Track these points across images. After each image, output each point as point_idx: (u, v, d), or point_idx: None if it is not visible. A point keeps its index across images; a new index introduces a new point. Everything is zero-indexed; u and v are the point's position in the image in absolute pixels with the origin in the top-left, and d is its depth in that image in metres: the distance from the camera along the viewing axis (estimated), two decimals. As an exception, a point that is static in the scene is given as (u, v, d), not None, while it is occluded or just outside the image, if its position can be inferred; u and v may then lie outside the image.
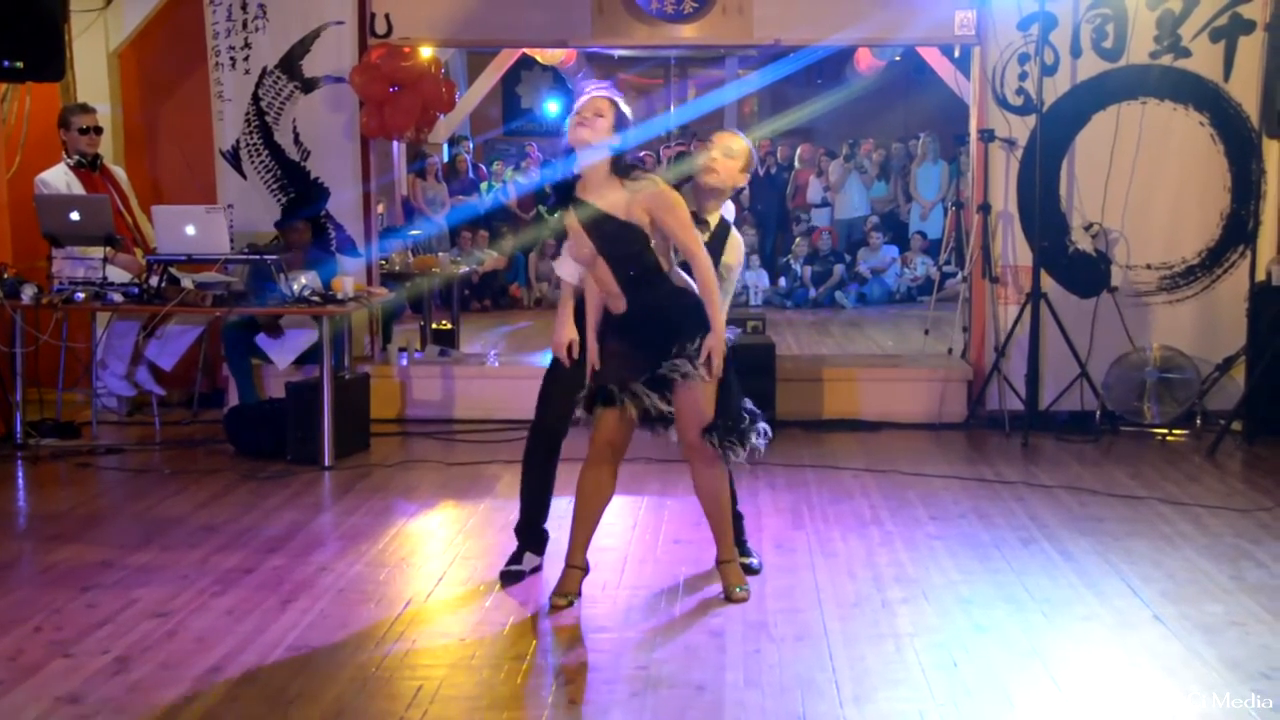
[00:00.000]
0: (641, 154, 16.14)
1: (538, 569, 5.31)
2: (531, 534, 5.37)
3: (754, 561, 5.33)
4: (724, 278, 5.10)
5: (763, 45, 9.26)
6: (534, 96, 18.28)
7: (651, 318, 4.80)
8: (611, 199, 4.70)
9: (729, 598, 4.94)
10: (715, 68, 18.00)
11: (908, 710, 3.92)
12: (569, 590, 4.94)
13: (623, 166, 4.72)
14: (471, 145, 16.16)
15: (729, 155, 5.09)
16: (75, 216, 7.38)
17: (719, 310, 4.80)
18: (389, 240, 10.45)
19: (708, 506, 5.02)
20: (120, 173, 8.30)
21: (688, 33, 8.71)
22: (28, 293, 7.34)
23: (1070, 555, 5.52)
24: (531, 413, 8.44)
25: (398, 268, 9.80)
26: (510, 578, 5.22)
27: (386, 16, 8.66)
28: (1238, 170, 8.25)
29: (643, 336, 4.82)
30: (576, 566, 4.99)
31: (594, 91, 4.80)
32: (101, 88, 8.87)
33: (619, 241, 4.70)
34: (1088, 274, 8.39)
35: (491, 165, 16.16)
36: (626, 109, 4.80)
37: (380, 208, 10.18)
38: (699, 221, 4.97)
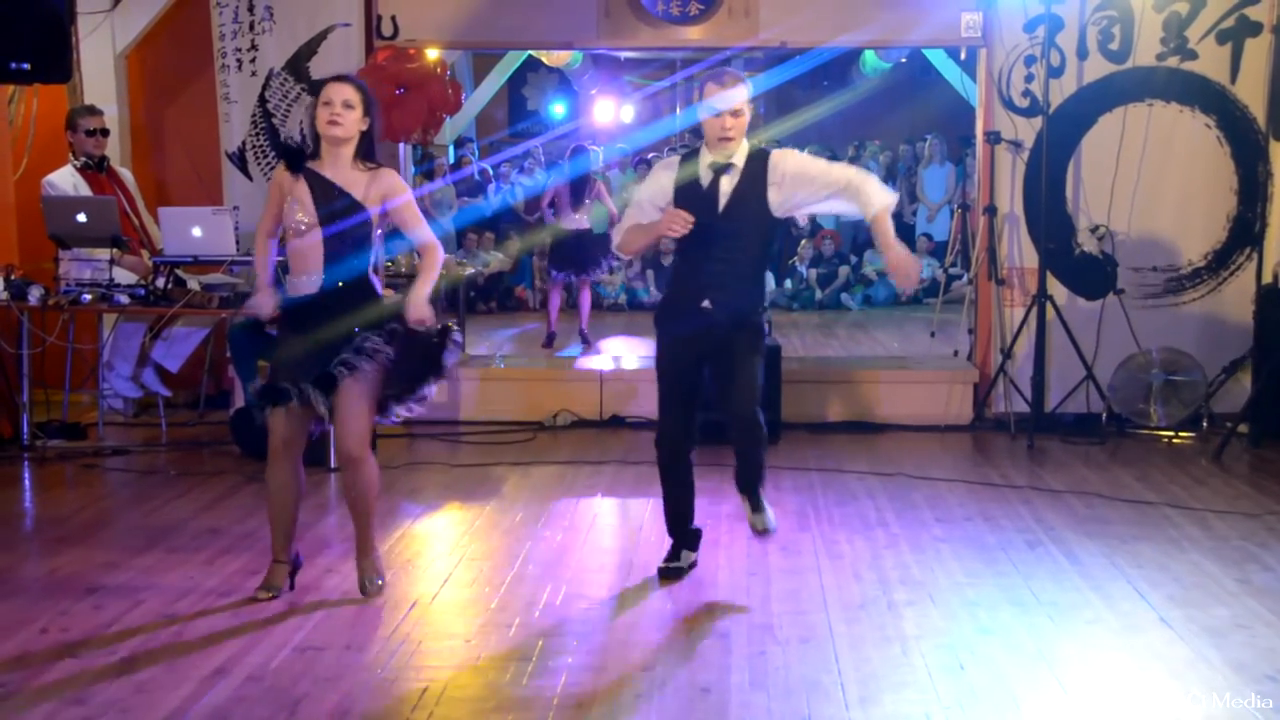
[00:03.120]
0: (649, 156, 16.15)
1: (693, 564, 5.36)
2: (684, 532, 5.36)
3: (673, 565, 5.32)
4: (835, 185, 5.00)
5: (769, 47, 9.26)
6: (540, 98, 18.29)
7: (334, 306, 4.86)
8: (348, 177, 4.86)
9: (363, 591, 5.01)
10: (721, 69, 17.97)
11: (913, 713, 3.92)
12: (275, 584, 4.99)
13: (367, 151, 4.91)
14: (476, 147, 16.16)
15: (737, 115, 4.99)
16: (82, 218, 7.39)
17: (425, 286, 4.92)
18: (395, 242, 10.44)
19: (354, 508, 5.06)
20: (127, 174, 8.31)
21: (694, 34, 8.72)
22: (34, 294, 7.35)
23: (1076, 558, 5.51)
24: (535, 414, 8.54)
25: (403, 270, 9.79)
26: (669, 574, 5.25)
27: (393, 18, 8.67)
28: (1244, 172, 8.24)
29: (322, 327, 4.85)
30: (281, 562, 5.04)
31: (336, 83, 4.90)
32: (108, 89, 8.88)
33: (343, 218, 4.82)
34: (1094, 276, 8.38)
35: (498, 168, 16.16)
36: (370, 93, 4.95)
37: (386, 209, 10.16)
38: (728, 169, 5.00)
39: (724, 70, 5.10)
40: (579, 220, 10.99)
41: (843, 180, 4.97)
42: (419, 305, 4.87)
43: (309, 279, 4.88)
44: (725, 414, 5.09)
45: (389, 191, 4.91)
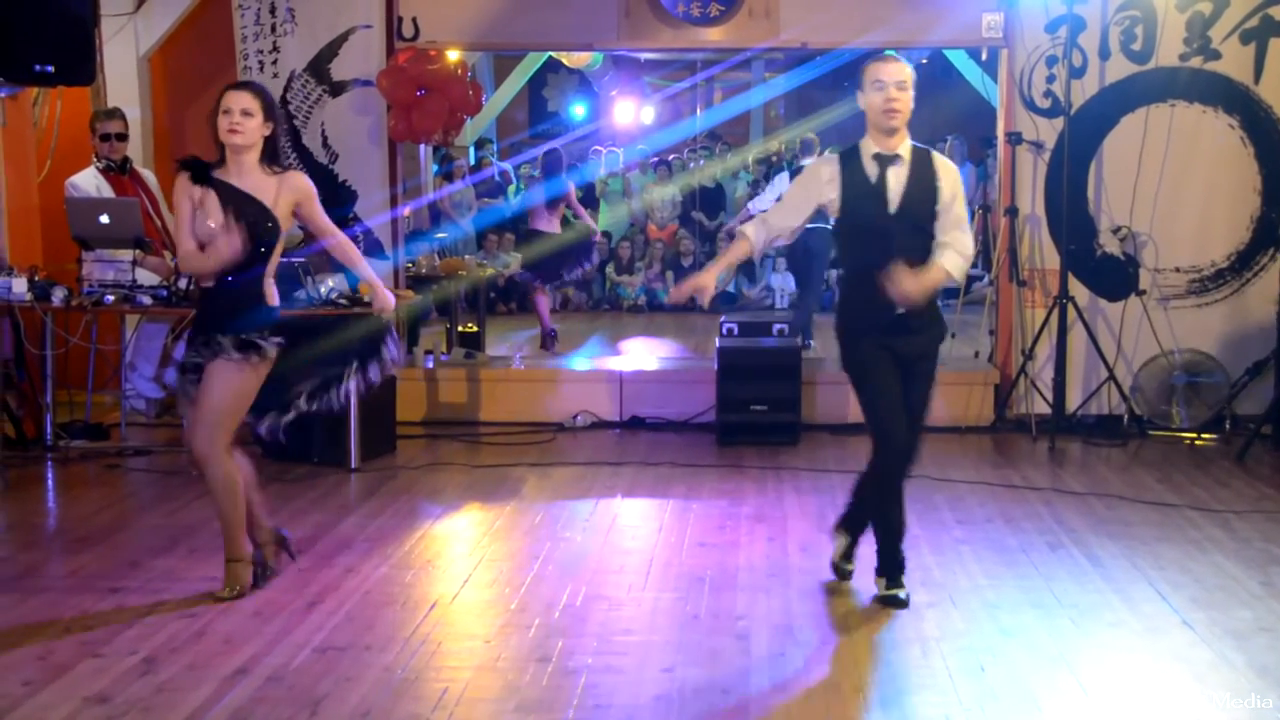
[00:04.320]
0: (670, 157, 16.15)
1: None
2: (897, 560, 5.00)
3: (903, 594, 4.93)
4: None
5: (789, 48, 9.25)
6: (560, 100, 18.31)
7: (224, 304, 4.90)
8: (256, 183, 4.91)
9: (217, 598, 4.98)
10: (741, 71, 17.95)
11: (934, 715, 3.91)
12: (240, 581, 5.03)
13: (271, 155, 4.97)
14: (497, 148, 16.18)
15: (903, 88, 4.73)
16: (105, 219, 7.42)
17: (371, 272, 5.20)
18: (416, 243, 10.47)
19: (217, 507, 5.06)
20: (150, 176, 8.35)
21: (714, 35, 8.72)
22: (58, 295, 7.39)
23: (1098, 560, 5.49)
24: (555, 415, 8.54)
25: (424, 271, 9.82)
26: (892, 602, 4.91)
27: (414, 20, 8.70)
28: (1268, 173, 8.20)
29: (208, 324, 4.90)
30: (243, 560, 5.07)
31: (234, 90, 4.92)
32: (131, 91, 8.93)
33: (256, 223, 4.86)
34: (1116, 277, 8.34)
35: (518, 169, 16.18)
36: (271, 96, 5.02)
37: (407, 211, 10.21)
38: (895, 159, 4.78)
39: (887, 53, 4.89)
40: (550, 224, 10.98)
41: (953, 225, 4.80)
42: (384, 294, 5.17)
43: (211, 277, 4.93)
44: (896, 436, 4.86)
45: (297, 193, 4.97)
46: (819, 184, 4.89)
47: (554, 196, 10.94)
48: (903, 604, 4.87)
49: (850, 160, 4.85)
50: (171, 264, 7.75)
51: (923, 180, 4.79)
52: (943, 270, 4.75)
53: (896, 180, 4.78)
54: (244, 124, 4.85)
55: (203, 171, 4.91)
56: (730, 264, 5.11)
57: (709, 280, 4.88)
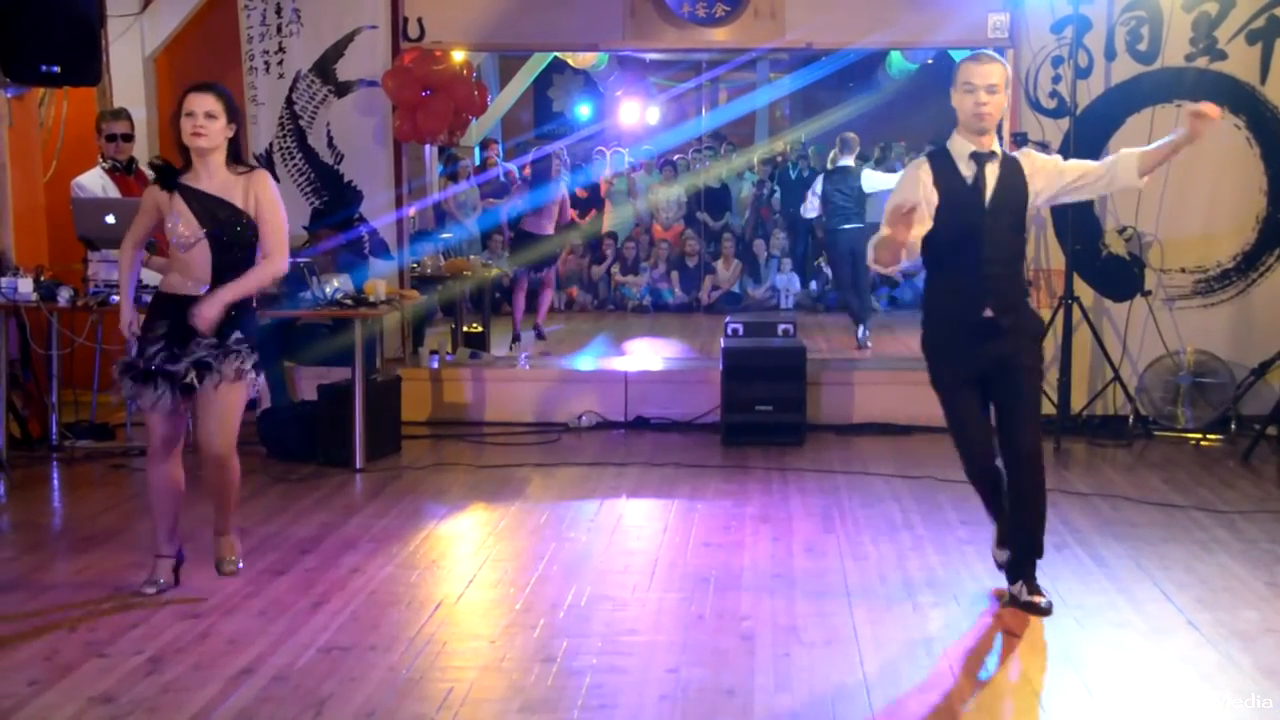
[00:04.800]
0: (675, 157, 16.14)
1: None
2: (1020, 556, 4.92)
3: (1043, 601, 4.82)
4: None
5: (795, 48, 9.25)
6: (566, 100, 18.31)
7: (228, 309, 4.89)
8: (227, 186, 4.89)
9: (219, 570, 5.09)
10: (747, 71, 17.95)
11: (938, 715, 3.91)
12: (159, 577, 5.09)
13: (236, 155, 4.96)
14: (502, 149, 16.18)
15: (994, 90, 4.64)
16: (111, 220, 7.42)
17: (234, 290, 4.85)
18: (421, 244, 10.48)
19: (217, 500, 5.11)
20: (155, 176, 8.35)
21: (719, 36, 8.72)
22: (64, 295, 7.40)
23: (1103, 561, 5.48)
24: (560, 415, 8.55)
25: (429, 271, 9.83)
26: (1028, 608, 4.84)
27: (419, 20, 8.70)
28: (1274, 173, 8.19)
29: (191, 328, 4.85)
30: (166, 556, 5.12)
31: (196, 93, 4.89)
32: (137, 92, 8.94)
33: (229, 226, 4.85)
34: (1121, 278, 8.33)
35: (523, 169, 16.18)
36: (232, 99, 5.00)
37: (412, 211, 10.23)
38: (990, 156, 4.70)
39: (982, 52, 4.78)
40: (539, 225, 10.99)
41: (1096, 168, 4.78)
42: (209, 304, 4.79)
43: (194, 284, 4.89)
44: (1002, 448, 4.80)
45: (258, 192, 4.91)
46: (924, 188, 4.71)
47: (546, 203, 10.97)
48: (1043, 611, 4.75)
49: (942, 161, 4.76)
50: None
51: (1016, 178, 4.73)
52: (1142, 160, 4.74)
53: (993, 177, 4.72)
54: (207, 127, 4.83)
55: (170, 178, 4.91)
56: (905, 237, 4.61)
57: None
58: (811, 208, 11.55)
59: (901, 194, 4.69)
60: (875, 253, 4.65)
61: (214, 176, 4.90)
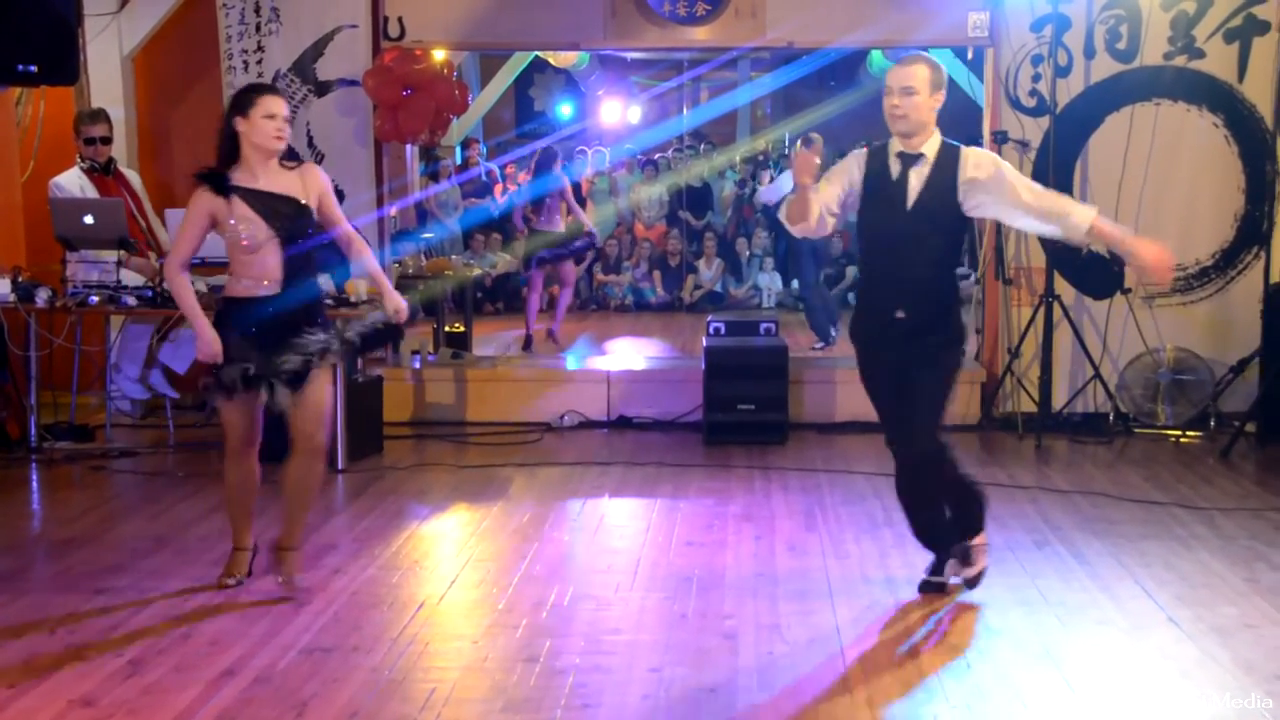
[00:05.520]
0: (656, 156, 16.15)
1: (971, 581, 5.04)
2: (939, 543, 5.08)
3: (936, 579, 5.06)
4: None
5: (776, 47, 9.26)
6: (547, 99, 18.30)
7: (294, 306, 4.92)
8: (284, 182, 4.92)
9: (287, 586, 5.04)
10: (728, 70, 17.98)
11: (921, 712, 3.92)
12: (237, 570, 5.15)
13: (289, 152, 5.02)
14: (484, 148, 16.17)
15: (910, 91, 4.66)
16: (89, 220, 7.41)
17: (376, 265, 5.15)
18: (402, 243, 10.45)
19: (301, 498, 5.08)
20: (134, 176, 8.32)
21: (700, 35, 8.72)
22: (42, 296, 7.37)
23: (1084, 558, 5.50)
24: (542, 415, 8.54)
25: (411, 270, 9.81)
26: (929, 587, 5.04)
27: (399, 20, 8.68)
28: (1252, 171, 8.23)
29: (283, 326, 4.89)
30: (245, 549, 5.19)
31: (273, 96, 4.92)
32: (115, 91, 8.90)
33: (296, 221, 4.89)
34: (1101, 276, 8.36)
35: (505, 169, 16.17)
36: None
37: (393, 211, 10.21)
38: (917, 159, 4.72)
39: (908, 54, 4.80)
40: (551, 222, 10.90)
41: (1037, 207, 4.66)
42: (396, 296, 5.18)
43: (268, 284, 4.90)
44: (899, 446, 4.92)
45: (319, 186, 4.98)
46: (852, 168, 4.83)
47: (548, 193, 10.87)
48: (936, 588, 4.99)
49: (879, 157, 4.81)
50: (156, 265, 7.73)
51: (944, 180, 4.70)
52: (1095, 225, 4.60)
53: (917, 179, 4.72)
54: (284, 129, 4.89)
55: (222, 182, 4.86)
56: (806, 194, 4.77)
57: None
58: (774, 193, 11.56)
59: (837, 169, 4.87)
60: (785, 209, 4.80)
61: (272, 175, 4.91)
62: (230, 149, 4.90)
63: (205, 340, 4.88)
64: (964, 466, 4.99)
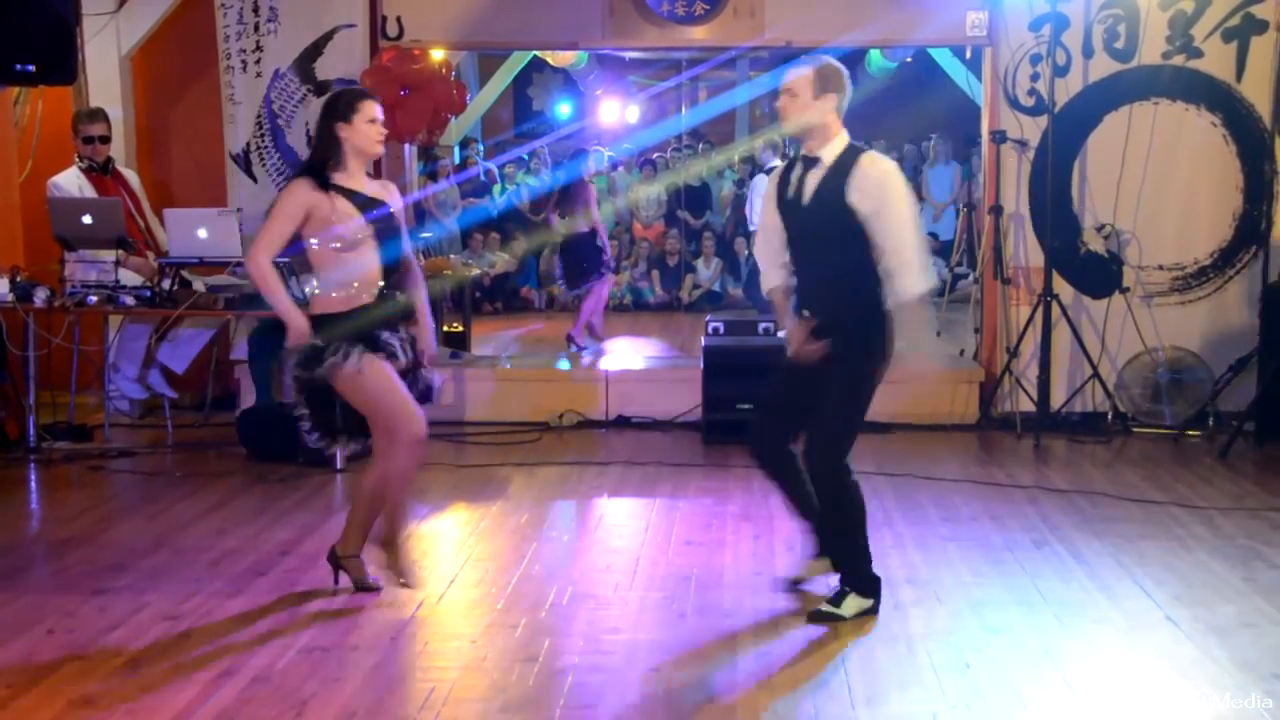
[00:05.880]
0: (654, 156, 16.15)
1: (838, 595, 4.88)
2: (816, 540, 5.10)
3: (824, 608, 4.85)
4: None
5: (774, 47, 9.26)
6: (545, 98, 18.28)
7: (391, 307, 4.96)
8: (374, 188, 4.97)
9: (409, 582, 5.04)
10: (726, 69, 17.97)
11: (920, 712, 3.92)
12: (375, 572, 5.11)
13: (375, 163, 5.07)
14: (482, 148, 16.17)
15: (790, 93, 4.73)
16: (87, 220, 7.40)
17: (426, 312, 5.14)
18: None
19: (409, 486, 5.07)
20: (132, 176, 8.32)
21: (699, 34, 8.72)
22: (40, 296, 7.36)
23: (1082, 557, 5.50)
24: (541, 415, 8.54)
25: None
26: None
27: (398, 19, 8.68)
28: (1250, 170, 8.23)
29: (385, 327, 4.92)
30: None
31: (375, 101, 4.94)
32: (113, 91, 8.89)
33: (388, 226, 4.93)
34: (1100, 275, 8.37)
35: (503, 168, 16.17)
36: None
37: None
38: (813, 162, 4.75)
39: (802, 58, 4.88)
40: (576, 224, 10.79)
41: (890, 246, 4.62)
42: (430, 337, 5.17)
43: (368, 289, 4.89)
44: (751, 443, 5.00)
45: (399, 201, 5.06)
46: (767, 190, 4.98)
47: (578, 191, 10.68)
48: (816, 617, 4.77)
49: (791, 164, 4.91)
50: (154, 264, 7.73)
51: (835, 185, 4.69)
52: (912, 305, 4.65)
53: (813, 182, 4.76)
54: (384, 132, 4.95)
55: (326, 178, 4.86)
56: (785, 312, 5.02)
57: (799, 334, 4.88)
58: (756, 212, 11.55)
59: (763, 202, 5.04)
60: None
61: (364, 180, 4.96)
62: (332, 151, 4.87)
63: (296, 327, 4.83)
64: (857, 516, 4.83)
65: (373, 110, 4.89)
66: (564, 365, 9.41)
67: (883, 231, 4.64)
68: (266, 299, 4.93)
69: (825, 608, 4.76)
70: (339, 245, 4.83)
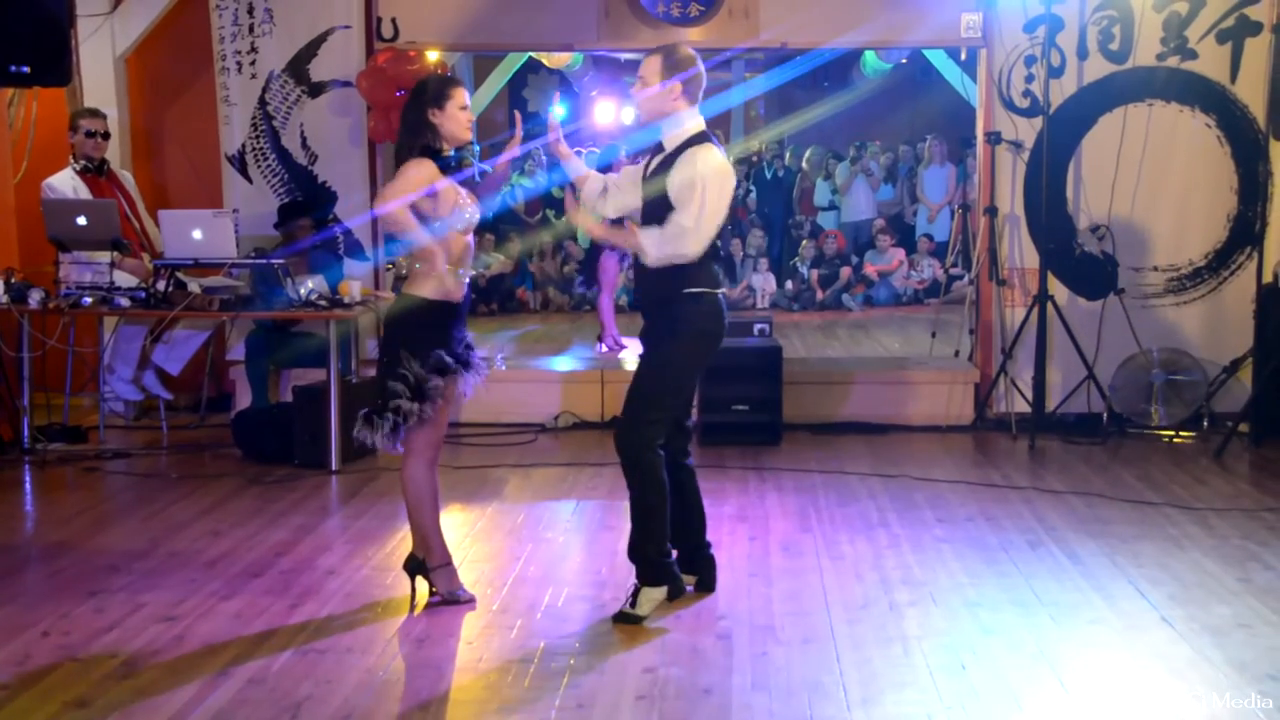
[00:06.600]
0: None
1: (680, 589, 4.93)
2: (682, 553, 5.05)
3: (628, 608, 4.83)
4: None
5: (769, 48, 9.26)
6: (541, 100, 18.29)
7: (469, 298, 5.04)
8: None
9: (458, 599, 4.95)
10: (722, 71, 17.98)
11: (915, 713, 3.92)
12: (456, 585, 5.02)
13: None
14: (477, 149, 16.17)
15: (640, 79, 4.83)
16: (82, 221, 7.40)
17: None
18: (395, 244, 10.42)
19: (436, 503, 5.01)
20: (127, 177, 8.32)
21: (694, 35, 8.71)
22: (35, 297, 7.36)
23: (1078, 558, 5.51)
24: (537, 416, 8.54)
25: (404, 271, 9.79)
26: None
27: (393, 20, 8.68)
28: (1244, 172, 8.24)
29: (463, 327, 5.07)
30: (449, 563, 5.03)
31: (463, 88, 4.98)
32: (108, 92, 8.88)
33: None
34: (1094, 276, 8.38)
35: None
36: None
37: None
38: (658, 147, 4.85)
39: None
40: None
41: (672, 218, 4.71)
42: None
43: (464, 274, 4.96)
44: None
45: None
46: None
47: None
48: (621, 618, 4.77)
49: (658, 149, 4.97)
50: (149, 266, 7.72)
51: (662, 174, 4.80)
52: (633, 235, 4.81)
53: (651, 171, 4.90)
54: (473, 119, 4.99)
55: (447, 162, 4.89)
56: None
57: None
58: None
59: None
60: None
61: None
62: (430, 136, 4.86)
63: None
64: (651, 501, 4.81)
65: (463, 97, 4.91)
66: (561, 366, 9.41)
67: (674, 196, 4.71)
68: (406, 236, 4.80)
69: (625, 609, 4.78)
70: (463, 228, 4.90)
